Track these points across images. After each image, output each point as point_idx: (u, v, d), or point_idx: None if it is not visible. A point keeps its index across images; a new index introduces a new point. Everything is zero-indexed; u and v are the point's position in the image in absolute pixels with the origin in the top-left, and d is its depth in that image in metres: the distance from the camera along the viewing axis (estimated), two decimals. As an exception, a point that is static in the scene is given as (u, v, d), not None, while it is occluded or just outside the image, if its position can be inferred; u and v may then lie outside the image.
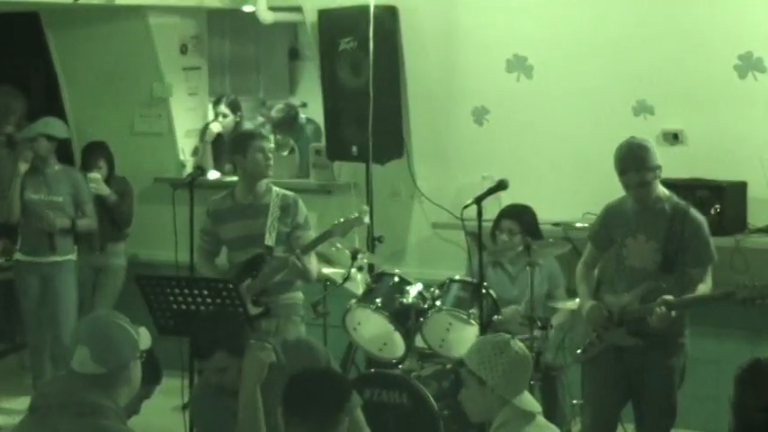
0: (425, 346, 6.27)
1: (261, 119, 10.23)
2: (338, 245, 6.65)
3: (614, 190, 5.63)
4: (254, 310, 5.91)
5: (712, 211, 6.40)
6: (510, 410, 3.99)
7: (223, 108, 8.86)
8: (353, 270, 6.51)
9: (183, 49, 8.71)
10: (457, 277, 6.40)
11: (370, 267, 6.89)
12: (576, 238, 6.54)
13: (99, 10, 8.21)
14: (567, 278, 6.45)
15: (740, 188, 6.67)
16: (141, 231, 8.25)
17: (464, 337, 6.10)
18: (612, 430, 5.79)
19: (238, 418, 4.36)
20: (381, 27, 7.34)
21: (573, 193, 7.08)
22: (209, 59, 9.14)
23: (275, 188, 6.20)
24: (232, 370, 4.37)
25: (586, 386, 6.00)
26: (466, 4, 7.34)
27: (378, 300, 6.23)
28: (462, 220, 6.12)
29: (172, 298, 5.65)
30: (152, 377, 4.09)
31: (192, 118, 8.87)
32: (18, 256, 7.75)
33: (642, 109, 6.91)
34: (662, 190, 5.57)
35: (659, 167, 5.49)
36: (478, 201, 5.80)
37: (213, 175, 8.30)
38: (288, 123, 8.94)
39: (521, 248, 6.27)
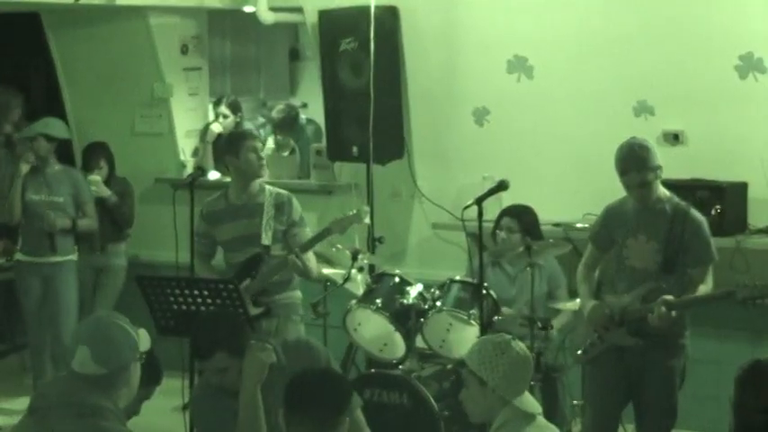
0: (426, 347, 6.27)
1: (261, 119, 10.24)
2: (338, 245, 6.65)
3: (615, 190, 5.63)
4: (254, 311, 5.90)
5: (713, 212, 6.40)
6: (510, 411, 3.99)
7: (223, 108, 8.87)
8: (354, 271, 6.51)
9: (184, 50, 8.71)
10: (457, 278, 6.40)
11: (371, 268, 6.89)
12: (577, 239, 6.54)
13: (99, 10, 8.21)
14: (568, 279, 6.45)
15: (741, 189, 6.66)
16: (142, 232, 8.25)
17: (464, 337, 6.09)
18: (613, 431, 5.79)
19: (239, 419, 4.36)
20: (382, 27, 7.34)
21: (573, 193, 7.09)
22: (210, 60, 9.14)
23: (268, 187, 6.20)
24: (232, 370, 4.37)
25: (587, 387, 6.00)
26: (466, 5, 7.34)
27: (378, 300, 6.23)
28: (463, 220, 6.11)
29: (172, 298, 5.65)
30: (152, 378, 4.09)
31: (192, 118, 8.88)
32: (19, 256, 7.75)
33: (643, 109, 6.91)
34: (662, 190, 5.56)
35: (660, 168, 5.49)
36: (479, 201, 5.80)
37: (214, 175, 8.30)
38: (288, 124, 8.94)
39: (521, 249, 6.26)
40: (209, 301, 5.59)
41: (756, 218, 6.67)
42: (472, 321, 6.06)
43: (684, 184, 6.40)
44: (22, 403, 7.94)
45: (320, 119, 8.26)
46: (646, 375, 5.56)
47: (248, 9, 8.36)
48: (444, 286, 6.31)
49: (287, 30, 10.66)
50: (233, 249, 6.16)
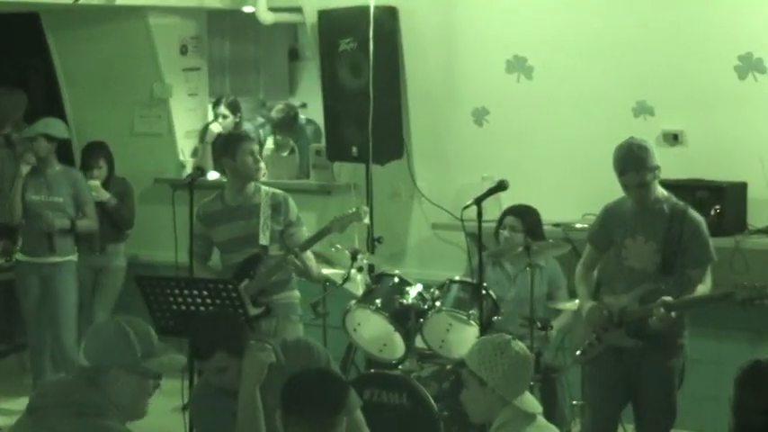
0: (425, 347, 6.27)
1: (261, 119, 10.24)
2: (338, 245, 6.65)
3: (614, 191, 5.63)
4: (253, 311, 5.90)
5: (712, 212, 6.40)
6: (511, 411, 3.98)
7: (223, 109, 8.87)
8: (353, 271, 6.51)
9: (183, 50, 8.71)
10: (457, 278, 6.40)
11: (370, 268, 6.89)
12: (576, 239, 6.54)
13: (99, 10, 8.21)
14: (568, 279, 6.45)
15: (740, 189, 6.66)
16: (141, 232, 8.25)
17: (464, 337, 6.09)
18: (613, 431, 5.79)
19: (238, 419, 4.36)
20: (381, 28, 7.34)
21: (573, 193, 7.08)
22: (209, 60, 9.14)
23: (264, 187, 6.20)
24: (232, 370, 4.37)
25: (586, 387, 6.00)
26: (466, 5, 7.34)
27: (378, 300, 6.23)
28: (462, 220, 6.12)
29: (172, 299, 5.64)
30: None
31: (191, 119, 8.88)
32: (19, 256, 7.76)
33: (642, 110, 6.91)
34: (661, 191, 5.56)
35: (658, 168, 5.48)
36: (478, 201, 5.80)
37: (213, 175, 8.30)
38: (288, 124, 8.94)
39: (521, 249, 6.27)
40: (208, 301, 5.59)
41: (756, 218, 6.67)
42: (472, 321, 6.05)
43: (684, 185, 6.40)
44: (22, 403, 7.93)
45: (319, 119, 8.26)
46: (644, 376, 5.56)
47: (248, 9, 8.36)
48: (444, 286, 6.31)
49: (286, 30, 10.66)
50: (230, 250, 6.16)
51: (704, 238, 5.53)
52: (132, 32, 8.49)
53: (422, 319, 6.17)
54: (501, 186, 5.96)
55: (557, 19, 7.08)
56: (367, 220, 6.34)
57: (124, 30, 8.51)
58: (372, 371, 6.38)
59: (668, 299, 5.37)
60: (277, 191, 6.23)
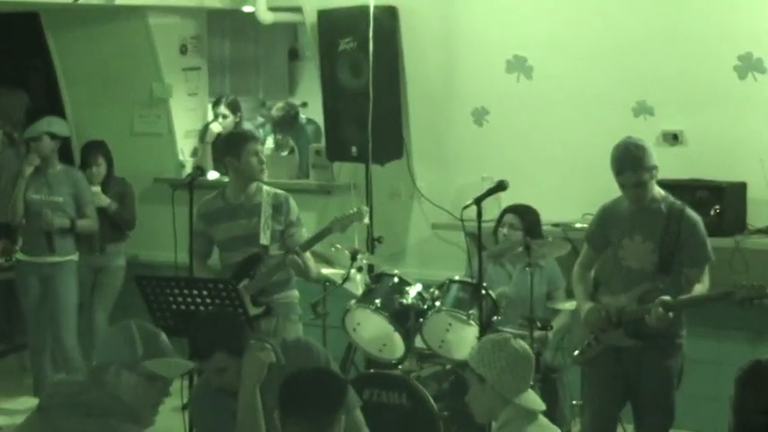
0: (425, 347, 6.27)
1: (260, 119, 10.24)
2: (338, 245, 6.65)
3: (614, 191, 5.63)
4: (253, 311, 5.90)
5: (712, 212, 6.40)
6: (512, 410, 3.99)
7: (223, 109, 8.86)
8: (353, 271, 6.51)
9: (183, 50, 8.71)
10: (456, 278, 6.40)
11: (370, 268, 6.89)
12: (576, 239, 6.53)
13: (99, 10, 8.21)
14: (567, 279, 6.45)
15: (740, 189, 6.66)
16: (141, 232, 8.24)
17: (464, 337, 6.10)
18: (612, 431, 5.79)
19: (238, 419, 4.36)
20: (381, 28, 7.34)
21: (572, 193, 7.08)
22: (209, 60, 9.14)
23: (266, 187, 6.20)
24: (231, 370, 4.37)
25: (586, 387, 6.00)
26: (466, 5, 7.34)
27: (377, 300, 6.23)
28: (462, 220, 6.13)
29: (171, 298, 5.64)
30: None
31: (191, 118, 8.88)
32: (19, 256, 7.77)
33: (642, 110, 6.91)
34: (658, 190, 5.56)
35: (656, 168, 5.48)
36: (478, 201, 5.81)
37: (213, 175, 8.30)
38: (288, 122, 8.94)
39: (520, 249, 6.26)
40: (208, 301, 5.59)
41: (755, 218, 6.67)
42: (471, 321, 6.06)
43: (684, 185, 6.41)
44: (22, 403, 7.93)
45: (319, 119, 8.26)
46: (643, 376, 5.56)
47: (247, 9, 8.36)
48: (443, 286, 6.31)
49: (286, 30, 10.66)
50: (230, 249, 6.16)
51: (701, 237, 5.53)
52: (132, 32, 8.49)
53: (421, 319, 6.17)
54: (501, 186, 5.96)
55: (557, 19, 7.08)
56: (367, 220, 6.34)
57: (124, 30, 8.51)
58: (372, 371, 6.39)
59: (667, 298, 5.36)
60: (279, 191, 6.22)
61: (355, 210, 6.14)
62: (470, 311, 6.08)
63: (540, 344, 6.14)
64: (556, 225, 6.98)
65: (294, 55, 11.17)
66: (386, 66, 7.44)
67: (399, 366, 6.33)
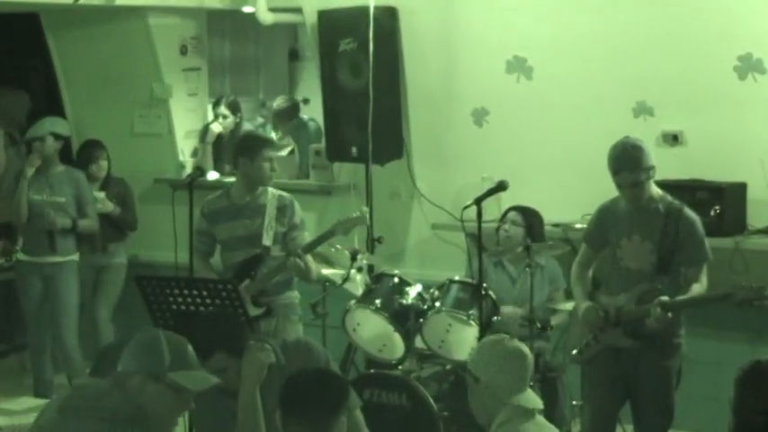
0: (425, 347, 6.27)
1: (261, 119, 10.23)
2: (338, 246, 6.65)
3: (613, 191, 5.64)
4: (254, 311, 5.91)
5: (712, 213, 6.40)
6: (510, 410, 3.98)
7: (223, 109, 8.85)
8: (353, 271, 6.51)
9: (183, 50, 8.70)
10: (456, 278, 6.40)
11: (370, 268, 6.89)
12: (576, 240, 6.53)
13: (99, 10, 8.20)
14: (567, 280, 6.45)
15: (740, 189, 6.66)
16: (141, 232, 8.24)
17: (464, 338, 6.10)
18: (611, 431, 5.79)
19: (238, 419, 4.37)
20: (381, 28, 7.34)
21: (572, 194, 7.08)
22: (209, 60, 9.14)
23: (271, 189, 6.20)
24: (231, 371, 4.37)
25: (585, 387, 6.01)
26: (466, 6, 7.34)
27: (377, 301, 6.23)
28: (462, 221, 6.13)
29: (171, 299, 5.64)
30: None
31: (191, 119, 8.87)
32: (20, 256, 7.77)
33: (642, 110, 6.91)
34: (655, 190, 5.56)
35: (653, 168, 5.48)
36: (478, 202, 5.81)
37: (213, 175, 8.28)
38: (288, 115, 8.91)
39: (520, 249, 6.27)
40: (208, 301, 5.59)
41: (755, 218, 6.67)
42: (471, 322, 6.06)
43: (684, 185, 6.40)
44: (23, 403, 7.91)
45: (319, 119, 8.26)
46: (641, 376, 5.56)
47: (247, 9, 8.35)
48: (443, 287, 6.32)
49: (286, 30, 10.66)
50: (232, 248, 6.16)
51: (700, 236, 5.53)
52: (132, 32, 8.49)
53: (421, 320, 6.18)
54: (501, 187, 5.97)
55: (557, 19, 7.08)
56: (367, 221, 6.34)
57: (124, 30, 8.51)
58: (372, 371, 6.39)
59: (665, 299, 5.37)
60: (284, 193, 6.23)
61: (358, 213, 6.14)
62: (470, 312, 6.08)
63: (541, 344, 6.14)
64: (556, 225, 6.98)
65: (294, 55, 11.17)
66: (386, 66, 7.44)
67: (399, 367, 6.34)
